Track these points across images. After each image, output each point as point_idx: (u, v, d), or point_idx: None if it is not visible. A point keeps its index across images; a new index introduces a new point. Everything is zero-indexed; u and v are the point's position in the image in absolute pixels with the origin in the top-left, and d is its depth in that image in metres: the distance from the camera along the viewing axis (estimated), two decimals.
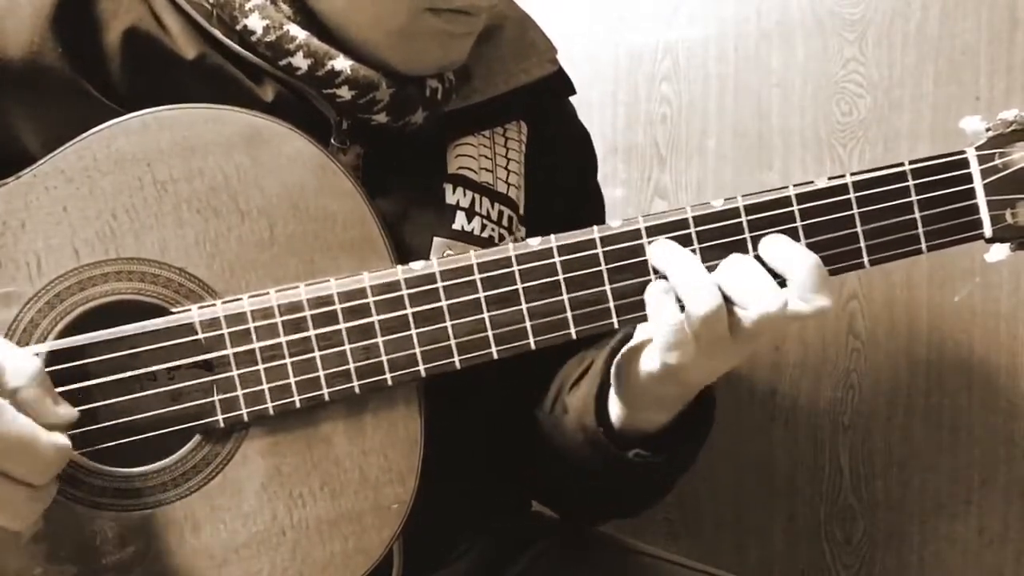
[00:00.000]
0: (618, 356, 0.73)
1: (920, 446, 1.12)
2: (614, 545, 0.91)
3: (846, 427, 1.15)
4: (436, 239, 0.75)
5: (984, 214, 0.69)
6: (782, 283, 0.65)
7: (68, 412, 0.60)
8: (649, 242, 0.67)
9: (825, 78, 1.11)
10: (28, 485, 0.57)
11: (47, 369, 0.61)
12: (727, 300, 0.64)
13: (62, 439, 0.57)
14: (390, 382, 0.66)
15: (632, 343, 0.71)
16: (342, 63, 0.70)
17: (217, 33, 0.70)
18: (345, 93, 0.71)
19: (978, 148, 0.69)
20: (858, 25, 1.10)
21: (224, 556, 0.66)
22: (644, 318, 0.67)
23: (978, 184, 0.69)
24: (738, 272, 0.65)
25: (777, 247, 0.66)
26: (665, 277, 0.66)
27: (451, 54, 0.74)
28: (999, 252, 0.70)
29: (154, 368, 0.65)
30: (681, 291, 0.64)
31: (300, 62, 0.70)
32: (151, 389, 0.65)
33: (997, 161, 0.69)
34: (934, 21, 1.07)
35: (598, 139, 0.95)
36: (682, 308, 0.64)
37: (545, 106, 0.86)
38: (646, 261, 0.67)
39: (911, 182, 0.68)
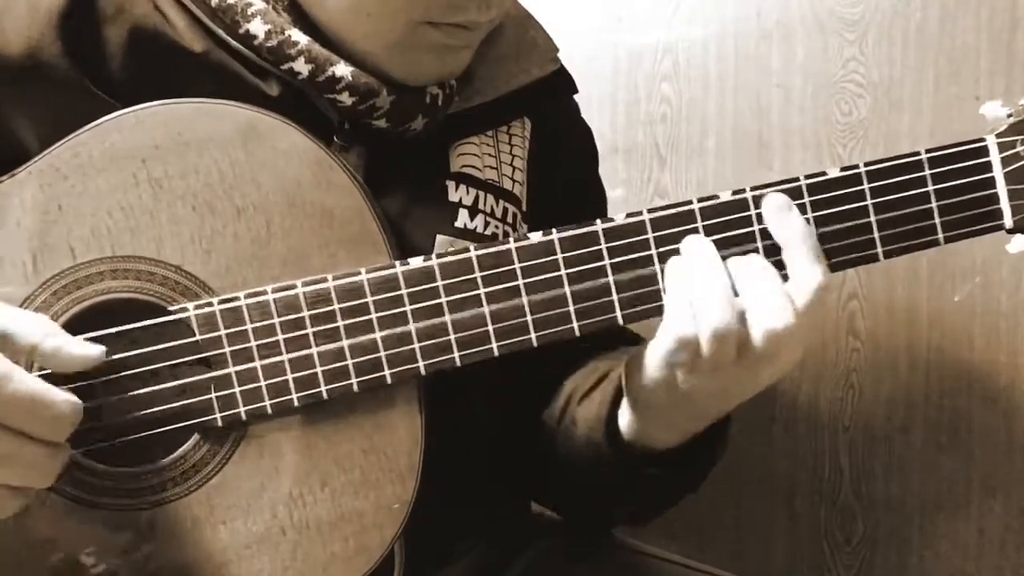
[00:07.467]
0: (625, 363, 0.71)
1: (920, 446, 1.11)
2: (614, 545, 0.90)
3: (846, 427, 1.14)
4: (439, 237, 0.75)
5: (1005, 204, 0.67)
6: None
7: (92, 350, 0.61)
8: (656, 236, 0.66)
9: (825, 78, 1.11)
10: (46, 444, 0.57)
11: (43, 372, 0.60)
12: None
13: (74, 396, 0.58)
14: (389, 380, 0.65)
15: (641, 349, 0.68)
16: (343, 70, 0.70)
17: (220, 32, 0.70)
18: (346, 99, 0.70)
19: (998, 135, 0.67)
20: (858, 25, 1.09)
21: (224, 556, 0.65)
22: (648, 313, 0.66)
23: (998, 173, 0.67)
24: (750, 282, 0.63)
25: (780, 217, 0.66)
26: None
27: (449, 66, 0.74)
28: (1021, 243, 0.68)
29: (150, 367, 0.64)
30: (696, 304, 0.62)
31: (301, 67, 0.69)
32: (148, 388, 0.64)
33: (1019, 148, 0.66)
34: (934, 21, 1.06)
35: (598, 139, 0.95)
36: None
37: (548, 103, 0.85)
38: (651, 255, 0.66)
39: (927, 171, 0.66)
